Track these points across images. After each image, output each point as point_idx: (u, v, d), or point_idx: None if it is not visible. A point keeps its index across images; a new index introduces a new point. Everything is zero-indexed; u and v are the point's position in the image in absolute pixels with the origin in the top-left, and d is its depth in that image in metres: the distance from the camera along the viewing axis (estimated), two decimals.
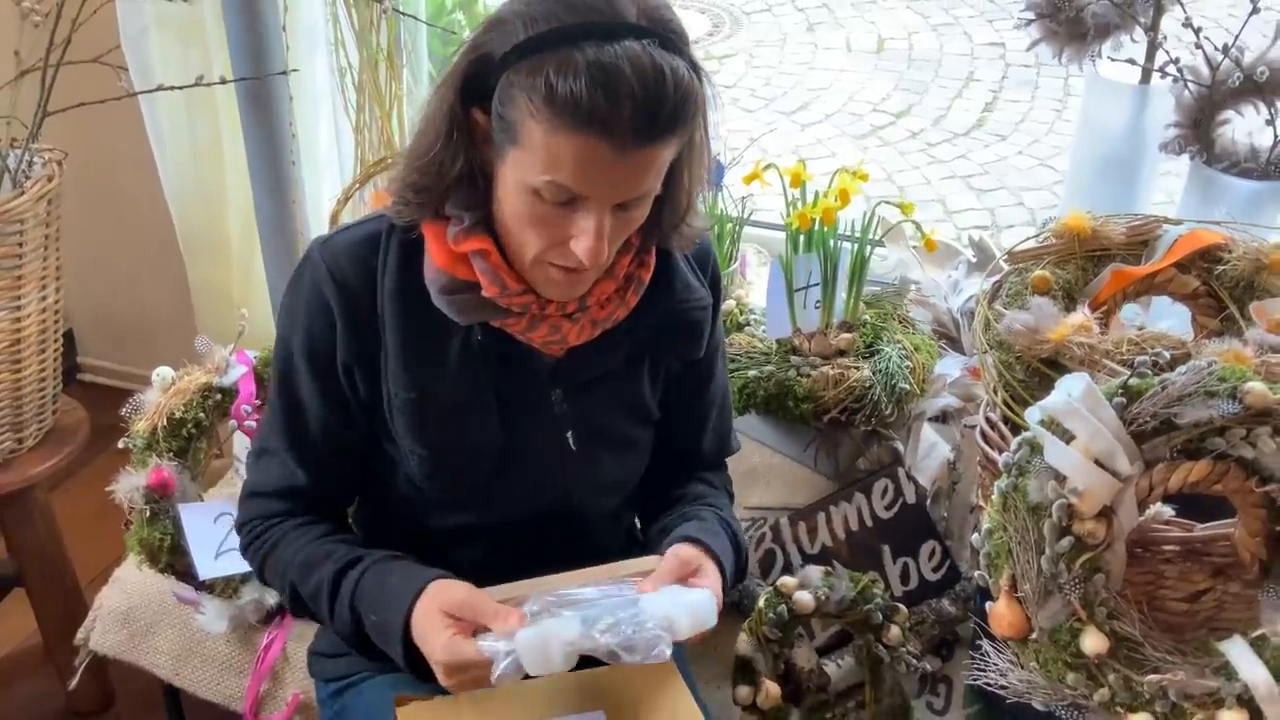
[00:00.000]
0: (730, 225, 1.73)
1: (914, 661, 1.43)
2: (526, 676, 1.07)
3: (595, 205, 1.01)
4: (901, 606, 1.43)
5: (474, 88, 1.03)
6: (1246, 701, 1.09)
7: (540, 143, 0.99)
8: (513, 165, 1.03)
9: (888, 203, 1.57)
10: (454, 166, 1.06)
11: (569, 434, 1.20)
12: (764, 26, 5.38)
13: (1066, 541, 1.09)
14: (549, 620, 1.07)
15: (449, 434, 1.16)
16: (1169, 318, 1.57)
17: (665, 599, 1.11)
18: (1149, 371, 1.13)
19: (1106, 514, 1.10)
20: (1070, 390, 1.12)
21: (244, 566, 1.52)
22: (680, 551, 1.17)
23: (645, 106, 0.95)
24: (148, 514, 1.52)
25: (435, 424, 1.16)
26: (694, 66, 1.01)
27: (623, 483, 1.29)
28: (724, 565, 1.19)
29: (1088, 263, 1.44)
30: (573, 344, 1.15)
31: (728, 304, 1.73)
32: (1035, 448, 1.12)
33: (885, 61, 4.99)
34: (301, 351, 1.16)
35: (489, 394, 1.16)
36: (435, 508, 1.22)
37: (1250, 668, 1.10)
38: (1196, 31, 1.57)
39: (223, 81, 1.67)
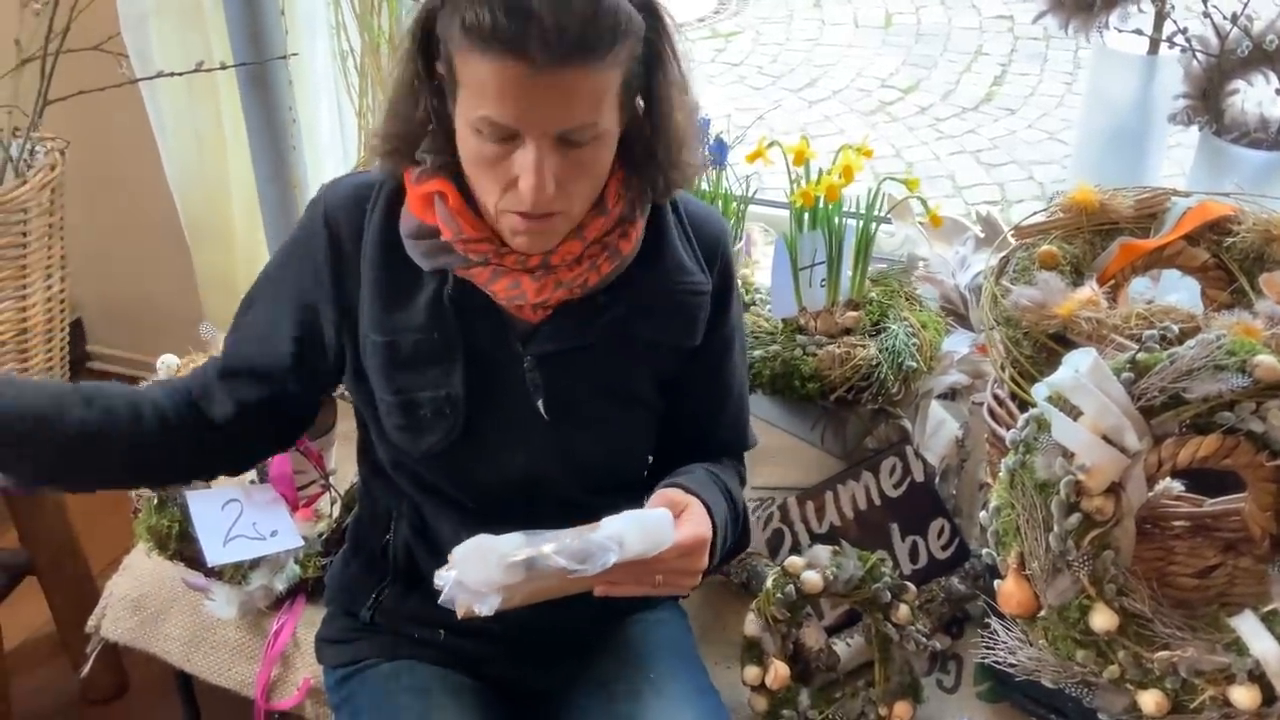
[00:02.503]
0: (735, 204, 1.72)
1: (923, 640, 1.43)
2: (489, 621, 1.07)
3: (530, 139, 1.02)
4: (910, 585, 1.43)
5: (430, 39, 1.06)
6: (1258, 677, 1.08)
7: (469, 77, 1.01)
8: (459, 107, 1.05)
9: (893, 179, 1.56)
10: (415, 113, 1.10)
11: (539, 403, 1.19)
12: (770, 3, 5.35)
13: (1075, 518, 1.08)
14: (486, 535, 1.07)
15: (414, 382, 1.18)
16: (1179, 291, 1.56)
17: (620, 519, 1.09)
18: (1157, 346, 1.12)
19: (1115, 490, 1.09)
20: (1077, 366, 1.11)
21: (253, 553, 1.53)
22: (666, 493, 1.16)
23: (552, 21, 0.96)
24: (155, 501, 1.53)
25: (402, 370, 1.18)
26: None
27: (608, 468, 1.27)
28: (713, 511, 1.17)
29: (1095, 237, 1.43)
30: (532, 301, 1.14)
31: None
32: (1042, 424, 1.11)
33: (893, 36, 4.95)
34: (274, 278, 1.23)
35: (456, 347, 1.17)
36: (413, 465, 1.23)
37: (1261, 642, 1.09)
38: (1205, 0, 1.55)
39: (223, 67, 1.67)
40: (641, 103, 1.10)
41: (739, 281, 1.42)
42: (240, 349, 1.24)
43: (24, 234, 1.67)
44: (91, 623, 1.67)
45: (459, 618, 1.07)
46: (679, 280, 1.21)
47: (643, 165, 1.13)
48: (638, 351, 1.22)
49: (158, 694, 1.97)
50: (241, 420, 1.23)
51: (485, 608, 1.05)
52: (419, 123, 1.11)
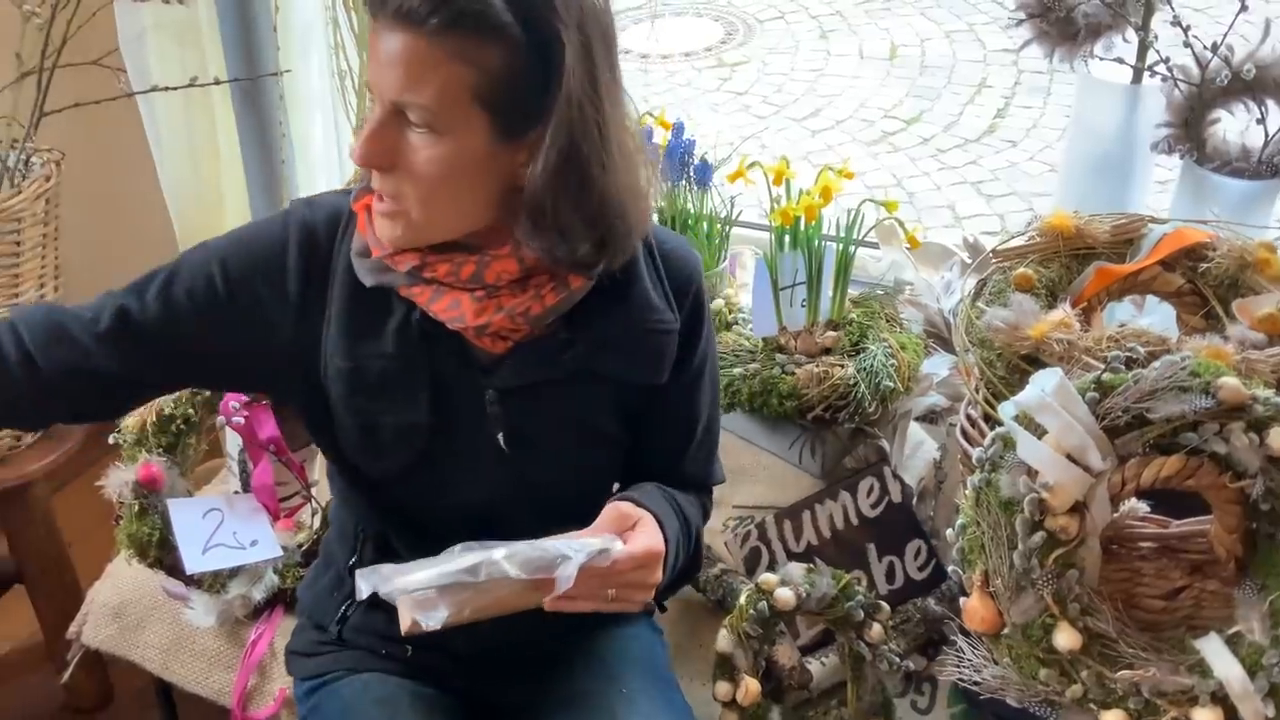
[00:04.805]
0: (718, 225, 1.73)
1: (896, 660, 1.43)
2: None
3: (378, 101, 1.04)
4: (883, 604, 1.43)
5: None
6: (1221, 699, 1.08)
7: None
8: None
9: (872, 201, 1.57)
10: None
11: (499, 435, 1.18)
12: (777, 34, 5.39)
13: (1039, 537, 1.09)
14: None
15: (377, 408, 1.16)
16: (1157, 316, 1.56)
17: (562, 540, 1.07)
18: (1122, 367, 1.12)
19: (1079, 509, 1.10)
20: (1043, 385, 1.11)
21: (232, 562, 1.53)
22: (618, 505, 1.14)
23: None
24: (136, 509, 1.53)
25: (365, 396, 1.16)
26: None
27: (569, 500, 1.22)
28: (664, 525, 1.15)
29: (1072, 261, 1.44)
30: (471, 324, 1.11)
31: (715, 303, 1.73)
32: (1008, 443, 1.12)
33: (898, 68, 4.98)
34: (219, 260, 1.15)
35: (421, 375, 1.15)
36: (376, 484, 1.22)
37: (1225, 665, 1.09)
38: (1185, 30, 1.57)
39: (216, 82, 1.69)
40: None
41: (710, 313, 1.38)
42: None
43: (17, 243, 1.69)
44: (72, 630, 1.68)
45: (403, 633, 1.03)
46: (646, 318, 1.18)
47: (538, 213, 1.06)
48: (602, 387, 1.20)
49: (142, 703, 1.98)
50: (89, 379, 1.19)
51: (432, 621, 1.02)
52: None
